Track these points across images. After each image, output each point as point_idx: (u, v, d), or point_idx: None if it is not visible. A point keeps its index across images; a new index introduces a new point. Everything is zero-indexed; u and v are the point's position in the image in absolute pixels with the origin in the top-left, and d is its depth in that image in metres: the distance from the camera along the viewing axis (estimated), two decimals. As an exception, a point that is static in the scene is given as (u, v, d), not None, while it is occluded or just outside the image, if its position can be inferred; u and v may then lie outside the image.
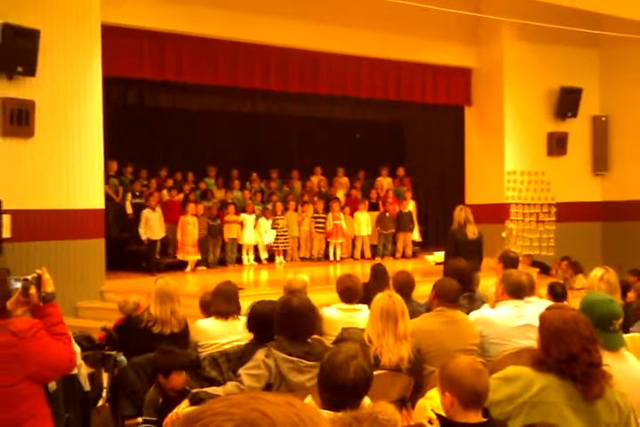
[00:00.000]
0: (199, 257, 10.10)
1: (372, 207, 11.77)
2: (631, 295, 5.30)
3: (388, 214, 11.56)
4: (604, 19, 11.05)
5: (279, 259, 11.03)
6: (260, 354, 3.18)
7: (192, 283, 9.27)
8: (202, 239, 10.24)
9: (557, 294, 5.27)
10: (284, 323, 3.31)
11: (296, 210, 11.36)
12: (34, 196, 7.79)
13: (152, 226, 9.75)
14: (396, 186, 12.56)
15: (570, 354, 2.47)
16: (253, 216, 10.75)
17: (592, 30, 10.93)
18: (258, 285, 9.42)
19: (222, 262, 10.62)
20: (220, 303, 4.24)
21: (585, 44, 11.94)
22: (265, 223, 10.79)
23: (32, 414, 2.39)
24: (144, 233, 9.75)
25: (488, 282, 6.15)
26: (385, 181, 12.57)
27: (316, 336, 3.91)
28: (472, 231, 6.90)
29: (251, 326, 3.83)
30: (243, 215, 10.70)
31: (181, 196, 10.71)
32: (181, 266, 10.00)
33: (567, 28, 10.42)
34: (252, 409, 0.79)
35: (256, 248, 10.90)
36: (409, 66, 11.51)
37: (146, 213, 9.77)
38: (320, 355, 2.86)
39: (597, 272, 4.45)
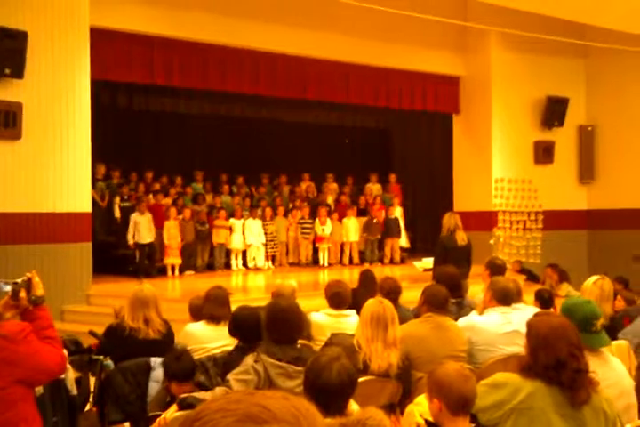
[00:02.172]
0: (179, 261, 10.04)
1: (361, 213, 11.82)
2: (618, 304, 5.33)
3: (375, 220, 11.60)
4: (590, 29, 11.19)
5: (267, 264, 11.02)
6: (249, 359, 3.18)
7: (181, 288, 9.24)
8: (190, 244, 10.20)
9: (545, 300, 5.31)
10: (272, 326, 3.31)
11: (285, 215, 11.37)
12: (20, 198, 7.73)
13: (140, 230, 9.71)
14: (384, 193, 12.62)
15: (557, 360, 2.49)
16: (242, 221, 10.73)
17: (579, 41, 11.07)
18: (246, 290, 9.40)
19: (210, 267, 10.59)
20: (213, 308, 4.24)
21: (572, 54, 12.07)
22: (252, 224, 10.75)
23: (22, 417, 2.37)
24: (131, 237, 9.71)
25: (476, 289, 6.18)
26: (374, 188, 12.62)
27: (304, 342, 3.92)
28: (461, 238, 6.95)
29: (233, 331, 3.83)
30: (231, 220, 10.68)
31: (169, 200, 10.67)
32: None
33: (554, 39, 10.54)
34: (252, 404, 0.80)
35: (244, 254, 10.88)
36: (397, 73, 11.57)
37: (134, 216, 9.73)
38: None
39: (592, 278, 4.50)
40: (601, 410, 2.51)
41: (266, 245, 10.94)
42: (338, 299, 4.45)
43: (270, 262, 11.07)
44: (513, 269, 10.76)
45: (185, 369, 3.64)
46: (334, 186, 12.63)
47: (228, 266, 10.70)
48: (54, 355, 2.52)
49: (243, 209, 10.98)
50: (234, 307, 4.21)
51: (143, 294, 4.13)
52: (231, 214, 10.82)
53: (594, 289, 4.42)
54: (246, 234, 10.70)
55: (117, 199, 10.37)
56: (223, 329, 4.13)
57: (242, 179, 12.02)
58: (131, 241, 9.72)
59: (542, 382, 2.51)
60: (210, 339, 4.17)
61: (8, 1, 7.67)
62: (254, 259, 10.85)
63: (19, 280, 2.60)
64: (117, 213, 10.27)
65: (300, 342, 3.49)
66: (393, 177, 12.82)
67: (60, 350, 2.60)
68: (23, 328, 2.42)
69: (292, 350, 3.23)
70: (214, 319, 4.21)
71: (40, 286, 2.62)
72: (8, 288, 2.57)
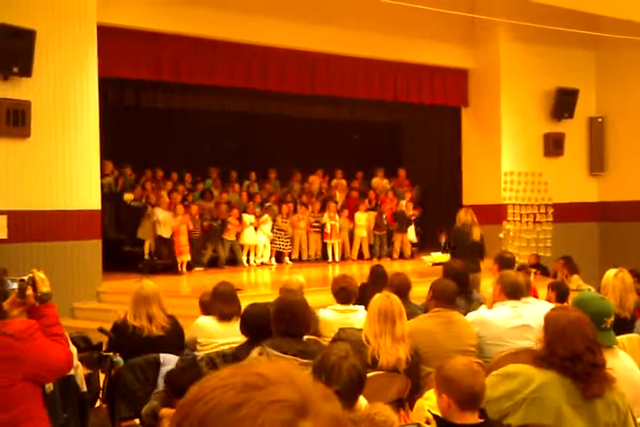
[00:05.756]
0: (189, 258, 10.07)
1: (372, 208, 11.83)
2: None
3: (384, 216, 11.60)
4: (600, 20, 11.07)
5: (286, 260, 11.05)
6: (254, 352, 3.19)
7: (191, 284, 9.26)
8: (199, 240, 10.22)
9: (562, 292, 5.18)
10: (278, 320, 3.31)
11: (295, 211, 11.36)
12: (30, 196, 7.77)
13: (162, 224, 9.83)
14: (394, 187, 12.59)
15: (574, 353, 2.48)
16: (253, 217, 10.74)
17: (588, 31, 10.95)
18: (255, 286, 9.41)
19: (221, 263, 10.59)
20: (222, 306, 4.24)
21: (581, 45, 11.96)
22: (265, 220, 10.77)
23: (29, 415, 2.37)
24: (151, 231, 9.87)
25: (486, 283, 6.16)
26: (382, 182, 12.59)
27: (312, 337, 3.91)
28: (478, 234, 7.06)
29: (244, 329, 3.83)
30: (244, 216, 10.69)
31: (179, 197, 10.68)
32: (176, 267, 9.94)
33: (564, 30, 10.43)
34: (247, 374, 0.81)
35: (256, 249, 10.90)
36: (406, 67, 11.52)
37: (158, 211, 9.86)
38: (315, 354, 2.86)
39: (612, 271, 4.45)
40: (613, 403, 2.49)
41: (284, 239, 10.94)
42: (344, 294, 4.44)
43: (287, 258, 11.07)
44: (528, 263, 10.71)
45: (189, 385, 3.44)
46: (343, 182, 12.62)
47: (234, 262, 10.70)
48: (61, 352, 2.52)
49: (255, 205, 10.98)
50: (244, 303, 4.21)
51: (144, 292, 4.12)
52: (243, 210, 10.85)
53: (616, 283, 4.36)
54: (258, 230, 10.73)
55: (129, 196, 10.39)
56: (234, 325, 4.13)
57: (254, 175, 12.05)
58: (144, 236, 9.82)
59: (556, 372, 2.49)
60: (220, 334, 4.18)
61: (16, 0, 7.69)
62: (262, 256, 10.87)
63: (25, 277, 2.61)
64: (128, 197, 10.32)
65: (307, 337, 3.49)
66: (402, 172, 12.79)
67: (67, 347, 2.60)
68: (30, 326, 2.42)
69: (298, 343, 3.22)
70: (225, 317, 4.22)
71: (46, 282, 2.62)
72: (15, 286, 2.58)
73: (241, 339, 4.01)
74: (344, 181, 12.64)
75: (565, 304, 4.71)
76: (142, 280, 4.32)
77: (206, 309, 4.56)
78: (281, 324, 3.27)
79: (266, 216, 10.80)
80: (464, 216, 7.16)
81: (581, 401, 2.45)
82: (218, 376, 0.82)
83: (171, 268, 9.87)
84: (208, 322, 4.27)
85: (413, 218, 11.91)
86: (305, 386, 0.81)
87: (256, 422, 0.75)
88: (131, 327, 4.03)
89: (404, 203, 11.86)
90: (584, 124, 12.43)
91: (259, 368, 0.82)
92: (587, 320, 2.61)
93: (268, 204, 11.14)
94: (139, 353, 3.98)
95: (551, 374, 2.48)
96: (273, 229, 10.92)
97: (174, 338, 4.19)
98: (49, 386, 3.26)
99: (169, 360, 3.95)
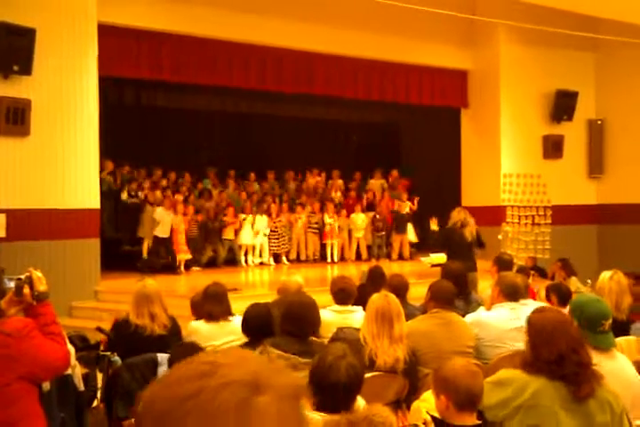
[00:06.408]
0: (190, 256, 10.06)
1: (369, 208, 11.82)
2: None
3: (378, 216, 11.61)
4: (600, 22, 11.08)
5: (283, 259, 11.05)
6: (256, 352, 3.18)
7: (188, 284, 9.24)
8: (197, 240, 10.21)
9: (563, 294, 5.06)
10: (287, 319, 3.31)
11: (293, 211, 11.36)
12: (29, 195, 7.77)
13: (161, 224, 9.83)
14: (390, 188, 12.60)
15: (560, 355, 2.48)
16: (251, 217, 10.74)
17: (588, 34, 10.96)
18: (253, 286, 9.40)
19: (219, 263, 10.59)
20: (212, 306, 4.23)
21: (581, 47, 11.97)
22: (259, 220, 10.77)
23: (25, 414, 2.36)
24: (150, 231, 9.87)
25: (484, 284, 6.16)
26: (379, 183, 12.60)
27: (314, 338, 3.91)
28: (468, 233, 7.01)
29: (245, 329, 3.82)
30: (241, 216, 10.69)
31: (180, 196, 10.67)
32: (175, 267, 9.95)
33: (563, 32, 10.45)
34: (199, 363, 0.82)
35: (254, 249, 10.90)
36: (405, 67, 11.52)
37: (159, 211, 9.88)
38: (316, 354, 2.85)
39: (607, 273, 4.45)
40: (606, 402, 2.49)
41: (276, 240, 10.94)
42: (342, 295, 4.43)
43: (284, 258, 11.07)
44: (526, 265, 10.70)
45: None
46: (340, 182, 12.62)
47: (233, 262, 10.70)
48: (58, 351, 2.51)
49: (252, 205, 10.99)
50: (242, 304, 4.20)
51: (147, 290, 4.12)
52: (240, 210, 10.84)
53: (612, 285, 4.36)
54: (254, 230, 10.72)
55: (125, 194, 10.37)
56: (224, 326, 4.13)
57: (253, 175, 12.05)
58: (144, 234, 9.83)
59: (546, 378, 2.49)
60: (214, 336, 4.17)
61: (16, -2, 7.69)
62: (261, 255, 10.87)
63: (22, 276, 2.60)
64: (125, 196, 10.30)
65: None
66: (395, 173, 12.80)
67: (64, 346, 2.59)
68: (26, 325, 2.41)
69: (301, 343, 3.22)
70: (213, 317, 4.21)
71: (43, 281, 2.61)
72: (12, 284, 2.58)
73: (235, 337, 4.01)
74: (341, 182, 12.64)
75: (559, 307, 4.69)
76: (144, 279, 4.31)
77: (196, 309, 4.55)
78: (288, 323, 3.26)
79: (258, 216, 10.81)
80: (457, 215, 7.13)
81: (575, 404, 2.46)
82: (173, 373, 0.83)
83: (169, 267, 9.85)
84: (200, 326, 4.26)
85: (411, 213, 11.86)
86: (257, 364, 0.83)
87: (213, 406, 0.77)
88: (133, 326, 4.02)
89: (403, 205, 11.85)
90: (583, 126, 12.45)
91: (210, 357, 0.84)
92: (569, 319, 2.64)
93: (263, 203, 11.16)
94: (139, 352, 3.97)
95: (542, 380, 2.49)
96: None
97: (175, 337, 4.18)
98: (46, 385, 3.25)
99: (167, 360, 3.94)
